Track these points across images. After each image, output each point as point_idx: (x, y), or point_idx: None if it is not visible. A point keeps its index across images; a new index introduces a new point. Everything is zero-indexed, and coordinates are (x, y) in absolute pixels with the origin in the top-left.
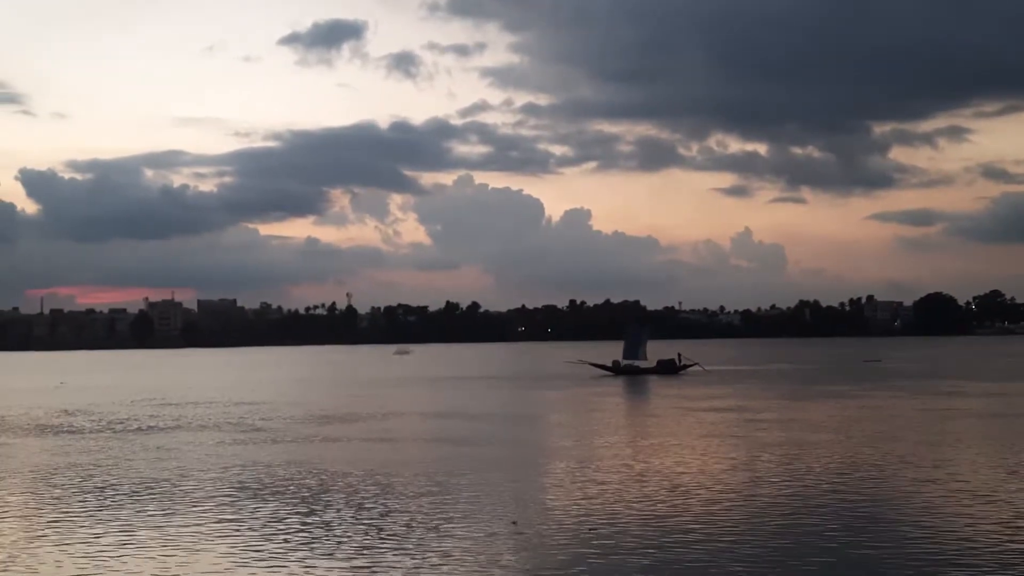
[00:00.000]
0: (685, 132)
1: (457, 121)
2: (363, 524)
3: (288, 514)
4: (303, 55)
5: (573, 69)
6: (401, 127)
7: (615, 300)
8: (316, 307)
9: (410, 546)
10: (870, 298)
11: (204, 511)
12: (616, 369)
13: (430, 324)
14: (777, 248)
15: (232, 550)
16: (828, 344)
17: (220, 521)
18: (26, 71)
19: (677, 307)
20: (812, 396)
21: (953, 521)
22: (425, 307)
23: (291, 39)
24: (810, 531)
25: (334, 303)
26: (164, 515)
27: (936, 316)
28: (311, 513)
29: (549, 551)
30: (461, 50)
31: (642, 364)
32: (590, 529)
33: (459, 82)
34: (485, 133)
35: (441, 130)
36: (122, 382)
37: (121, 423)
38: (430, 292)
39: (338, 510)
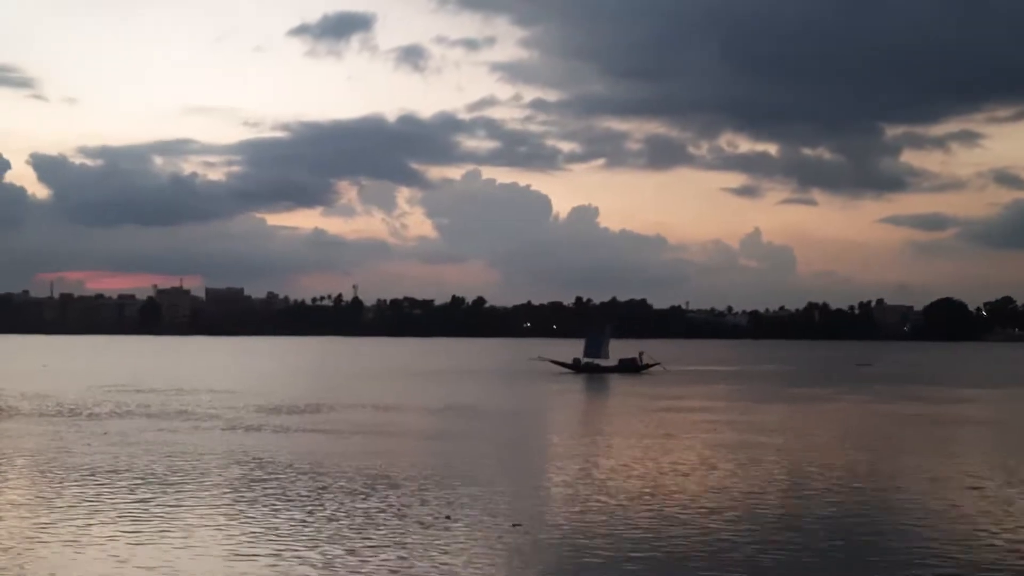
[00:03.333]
0: (695, 131)
1: (465, 115)
2: (285, 515)
3: (198, 502)
4: (312, 46)
5: (583, 65)
6: (409, 120)
7: (621, 298)
8: (323, 298)
9: (336, 539)
10: (880, 301)
11: (113, 497)
12: (577, 367)
13: (435, 318)
14: (786, 249)
15: (122, 533)
16: (828, 347)
17: (125, 507)
18: (38, 56)
19: (684, 306)
20: (778, 398)
21: (867, 530)
22: (431, 300)
23: (301, 30)
24: (724, 535)
25: (340, 295)
26: (68, 499)
27: (946, 321)
28: (222, 502)
29: (478, 545)
30: (470, 44)
31: (603, 363)
32: (514, 524)
33: (468, 76)
34: (493, 128)
35: (449, 124)
36: (105, 367)
37: (77, 408)
38: (436, 286)
39: (259, 499)
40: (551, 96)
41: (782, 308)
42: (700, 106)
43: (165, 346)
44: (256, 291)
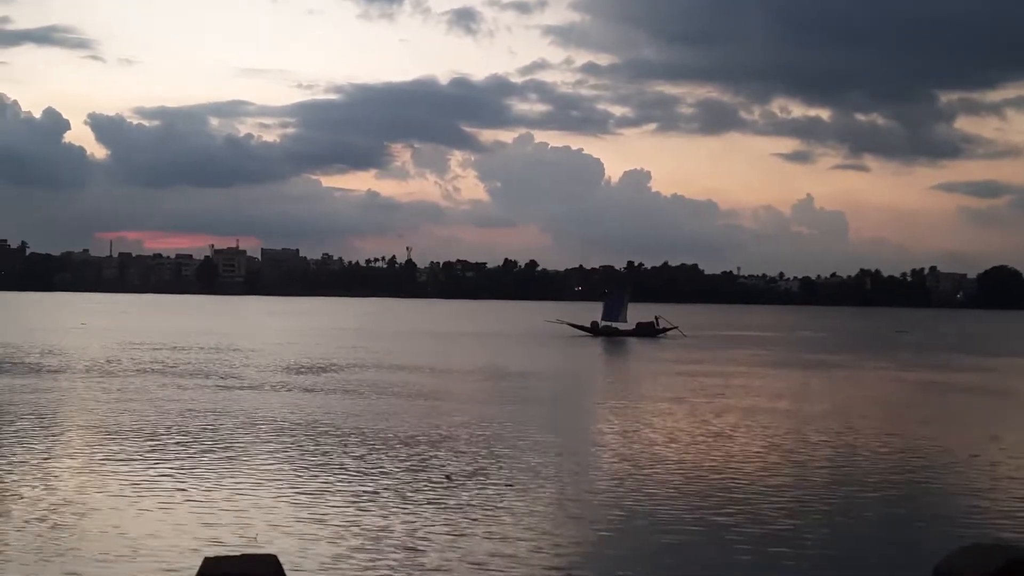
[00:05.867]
0: (748, 96)
1: (517, 79)
2: (279, 470)
3: (194, 459)
4: (365, 9)
5: (636, 29)
6: (461, 83)
7: (673, 263)
8: (376, 260)
9: (337, 493)
10: (933, 269)
11: (113, 453)
12: (594, 330)
13: (488, 280)
14: (839, 216)
15: (119, 483)
16: (876, 314)
17: (119, 463)
18: (95, 17)
19: (736, 272)
20: (796, 365)
21: (841, 501)
22: (484, 263)
23: None
24: (704, 496)
25: (394, 256)
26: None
27: (1000, 289)
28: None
29: (476, 503)
30: (522, 7)
31: (621, 326)
32: (507, 484)
33: (520, 39)
34: (545, 92)
35: (501, 87)
36: (145, 325)
37: (97, 365)
38: (488, 249)
39: (256, 457)
40: (603, 60)
41: (834, 275)
42: (753, 71)
43: (216, 305)
44: (311, 252)
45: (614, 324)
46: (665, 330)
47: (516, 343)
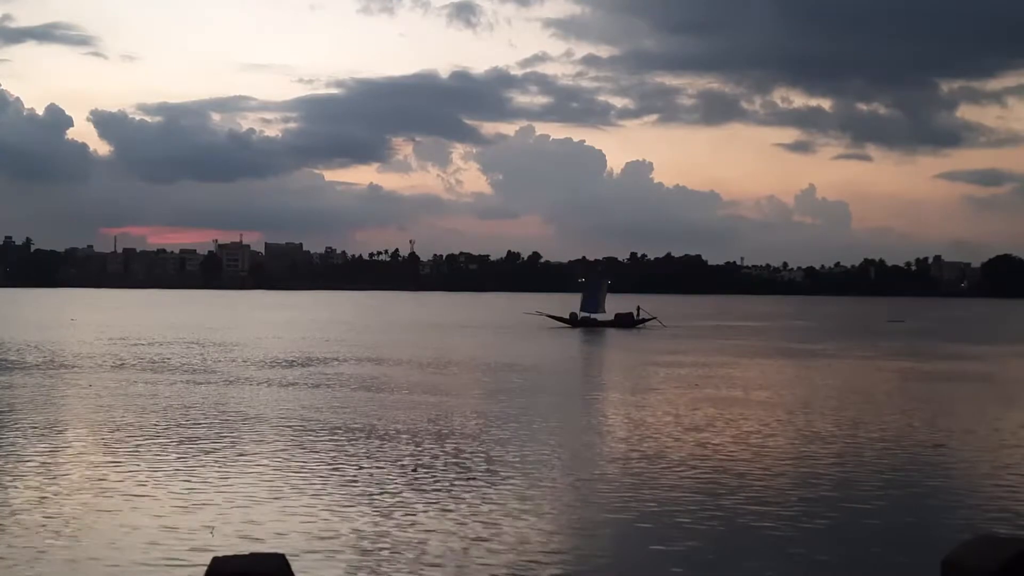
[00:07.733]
0: (749, 86)
1: (517, 71)
2: (229, 467)
3: (155, 456)
4: (366, 3)
5: (636, 20)
6: (462, 77)
7: (676, 254)
8: (379, 253)
9: (298, 487)
10: (937, 258)
11: (76, 450)
12: (573, 321)
13: (491, 272)
14: (841, 205)
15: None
16: (877, 303)
17: (81, 461)
18: (96, 14)
19: (739, 262)
20: (777, 354)
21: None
22: (487, 256)
23: None
24: (664, 483)
25: (397, 249)
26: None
27: (1005, 278)
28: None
29: (442, 496)
30: (522, 0)
31: (599, 317)
32: (469, 479)
33: (520, 32)
34: (545, 84)
35: (501, 80)
36: (134, 320)
37: (75, 361)
38: (491, 241)
39: (215, 453)
40: (603, 52)
41: (838, 264)
42: (753, 61)
43: (216, 299)
44: (314, 245)
45: (592, 315)
46: (644, 321)
47: (497, 335)
